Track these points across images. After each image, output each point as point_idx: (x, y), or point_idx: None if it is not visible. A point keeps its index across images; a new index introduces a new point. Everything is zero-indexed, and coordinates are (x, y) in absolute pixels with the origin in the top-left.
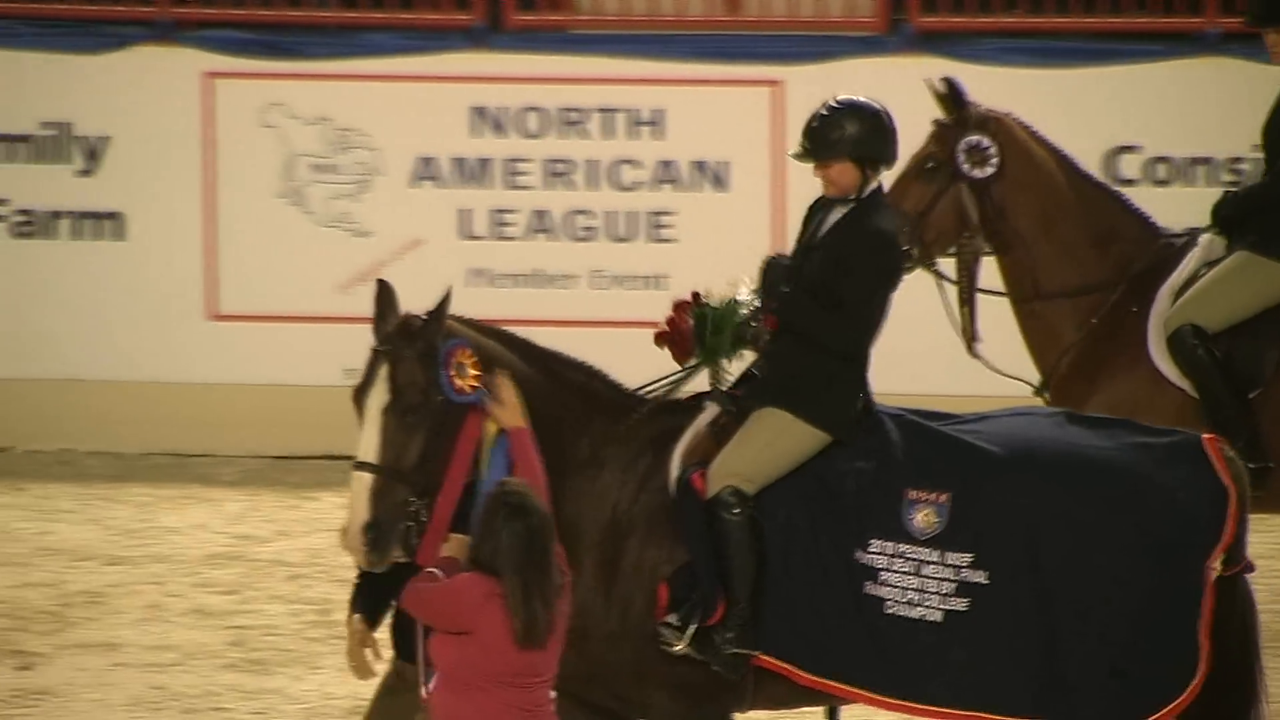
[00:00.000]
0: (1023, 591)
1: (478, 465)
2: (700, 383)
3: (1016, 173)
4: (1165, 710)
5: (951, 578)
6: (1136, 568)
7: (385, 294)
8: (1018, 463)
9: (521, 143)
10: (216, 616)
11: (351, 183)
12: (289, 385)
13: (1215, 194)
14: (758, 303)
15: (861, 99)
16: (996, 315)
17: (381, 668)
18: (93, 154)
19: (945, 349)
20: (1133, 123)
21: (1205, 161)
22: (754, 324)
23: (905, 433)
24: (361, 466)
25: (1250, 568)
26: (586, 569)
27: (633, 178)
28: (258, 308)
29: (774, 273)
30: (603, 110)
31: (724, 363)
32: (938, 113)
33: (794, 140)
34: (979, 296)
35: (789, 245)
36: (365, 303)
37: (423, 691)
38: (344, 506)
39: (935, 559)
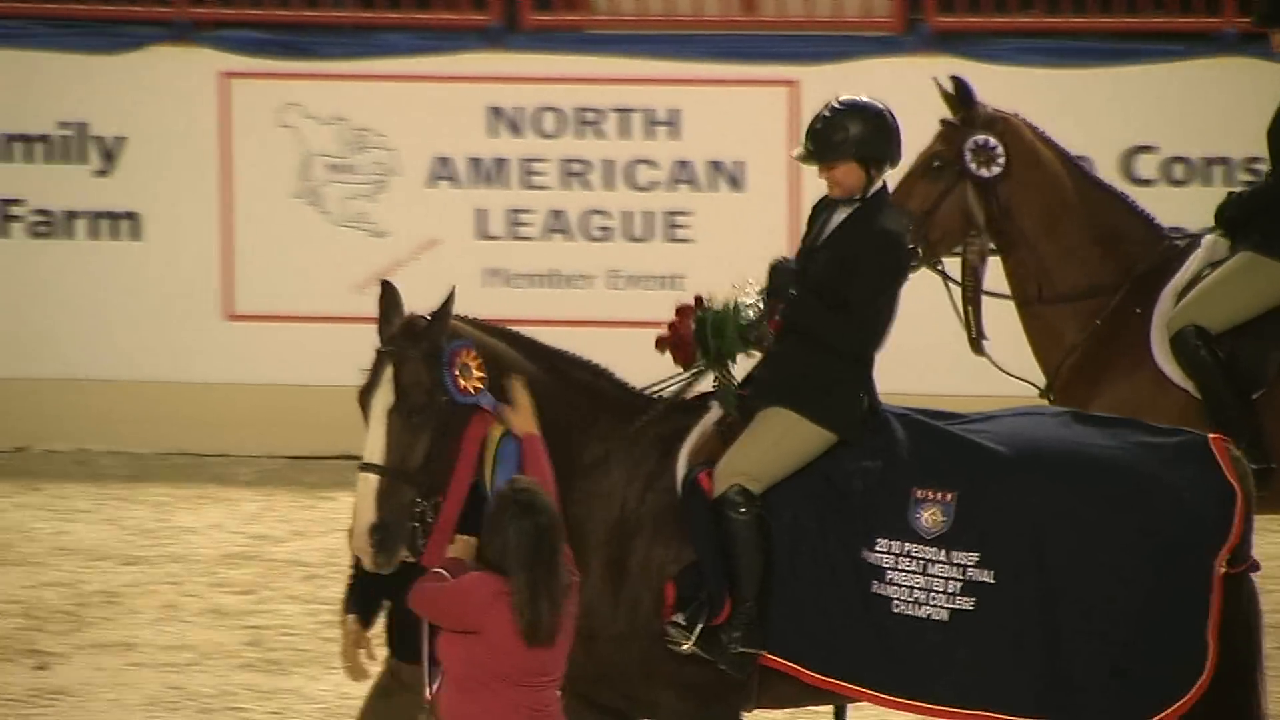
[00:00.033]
0: (1028, 591)
1: (484, 466)
2: (707, 382)
3: (1023, 173)
4: (1170, 710)
5: (958, 577)
6: (1142, 567)
7: (390, 295)
8: (1024, 462)
9: (538, 143)
10: (233, 616)
11: (368, 183)
12: (305, 385)
13: None
14: (762, 304)
15: (864, 99)
16: (1002, 316)
17: (376, 668)
18: (109, 154)
19: (951, 349)
20: (1149, 123)
21: (1222, 162)
22: (759, 326)
23: (911, 432)
24: (367, 468)
25: (1255, 567)
26: (594, 569)
27: (649, 178)
28: (274, 308)
29: (780, 276)
30: (619, 110)
31: (730, 366)
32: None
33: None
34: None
35: None
36: None
37: (426, 693)
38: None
39: (942, 558)
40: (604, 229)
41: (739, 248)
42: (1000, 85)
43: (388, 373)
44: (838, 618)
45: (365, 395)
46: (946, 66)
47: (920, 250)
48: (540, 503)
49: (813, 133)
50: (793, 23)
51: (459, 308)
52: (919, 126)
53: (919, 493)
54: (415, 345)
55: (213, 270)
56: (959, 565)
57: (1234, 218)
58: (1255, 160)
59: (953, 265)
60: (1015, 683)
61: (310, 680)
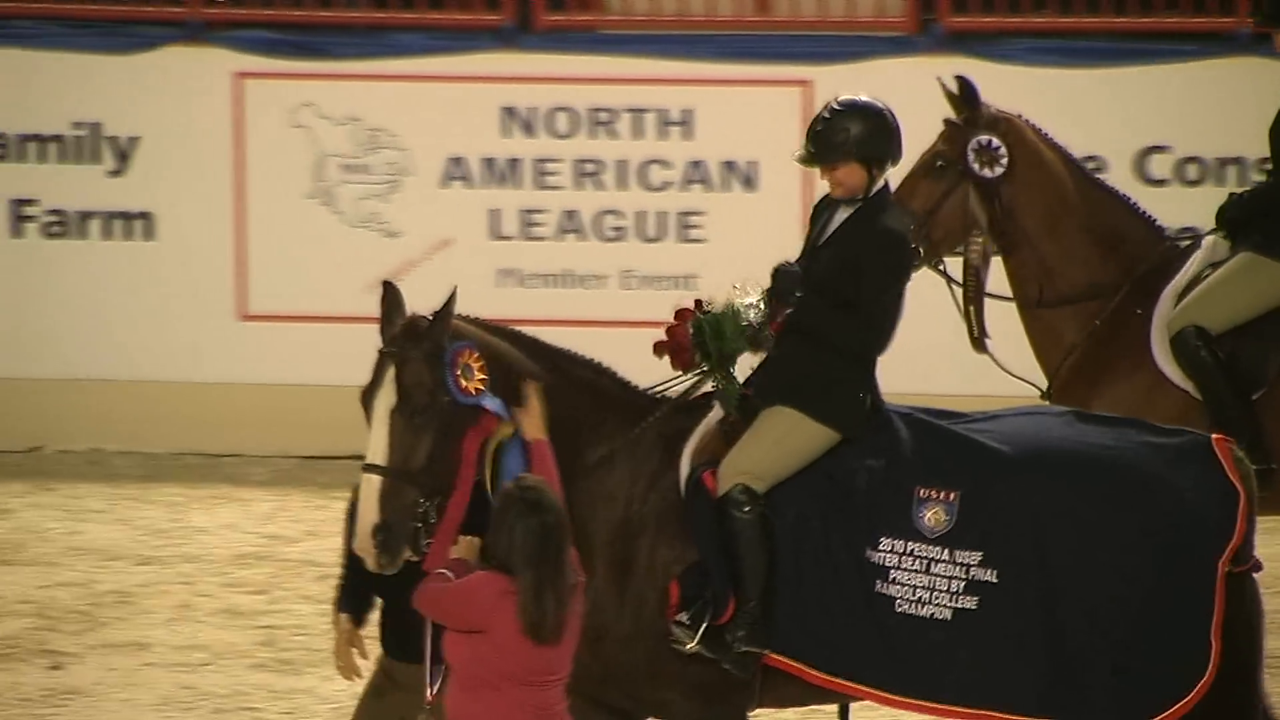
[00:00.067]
0: (1031, 590)
1: (486, 466)
2: (709, 383)
3: (1025, 174)
4: (1173, 709)
5: (961, 576)
6: (1144, 567)
7: (391, 295)
8: (1027, 462)
9: (551, 143)
10: (246, 616)
11: (381, 183)
12: (319, 385)
13: None
14: (764, 305)
15: (863, 98)
16: (1004, 317)
17: (369, 666)
18: (123, 154)
19: (953, 348)
20: (1163, 123)
21: (1236, 162)
22: (761, 327)
23: (915, 431)
24: (370, 469)
25: (1258, 567)
26: (599, 570)
27: (662, 178)
28: (287, 308)
29: (785, 280)
30: (632, 110)
31: (732, 368)
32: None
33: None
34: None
35: None
36: None
37: (428, 693)
38: None
39: (945, 557)
40: (617, 229)
41: (752, 248)
42: (1013, 85)
43: (390, 373)
44: (841, 617)
45: (367, 396)
46: (960, 67)
47: (922, 250)
48: (547, 501)
49: (813, 134)
50: (806, 23)
51: (473, 308)
52: (932, 127)
53: (922, 492)
54: (417, 346)
55: (226, 270)
56: (962, 564)
57: (1235, 218)
58: (1269, 160)
59: (954, 265)
60: (1018, 682)
61: (324, 680)
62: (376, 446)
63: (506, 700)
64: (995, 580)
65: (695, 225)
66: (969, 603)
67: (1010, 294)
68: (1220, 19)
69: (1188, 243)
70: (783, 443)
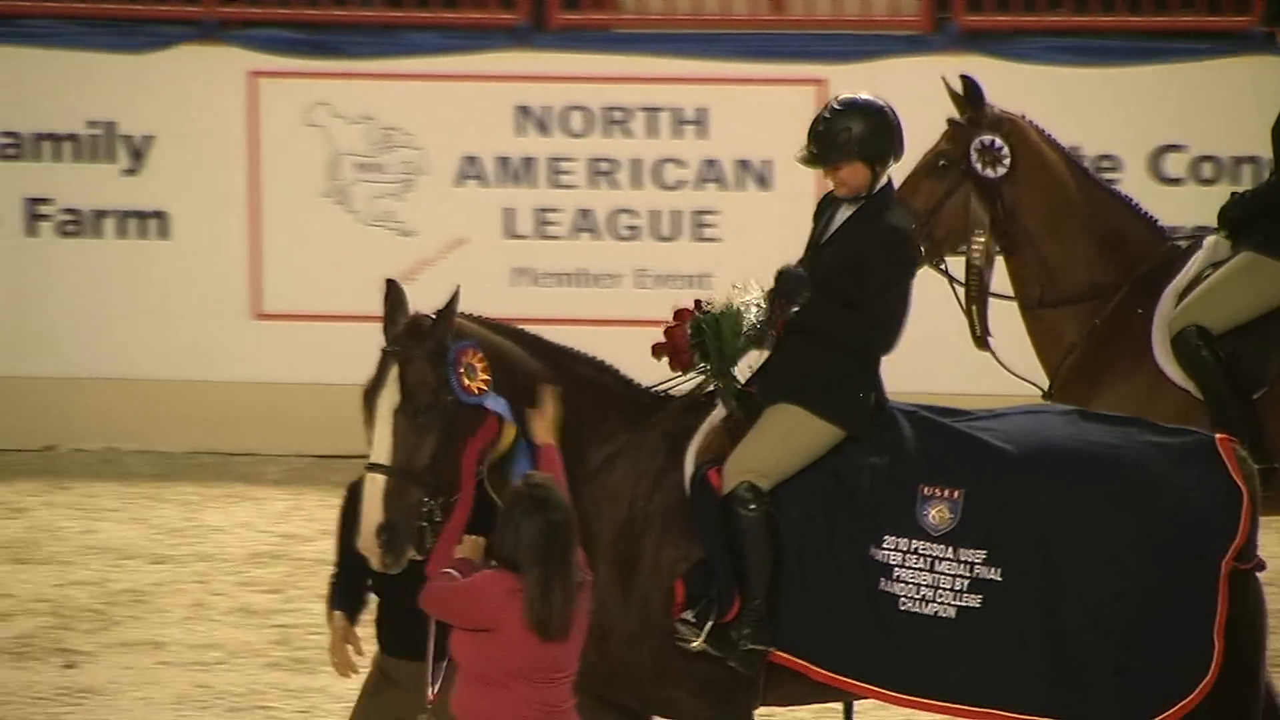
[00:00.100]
0: (1034, 589)
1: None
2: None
3: (1027, 174)
4: (1176, 707)
5: (965, 574)
6: (1148, 566)
7: (395, 294)
8: (1031, 460)
9: (565, 142)
10: (261, 615)
11: (396, 182)
12: (333, 384)
13: None
14: (765, 305)
15: (863, 96)
16: (1007, 317)
17: (364, 664)
18: (138, 153)
19: (955, 347)
20: (1178, 122)
21: (1251, 160)
22: (763, 327)
23: (919, 429)
24: (374, 468)
25: (1261, 566)
26: (604, 569)
27: (677, 177)
28: (302, 307)
29: (790, 281)
30: (647, 109)
31: (733, 368)
32: None
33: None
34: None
35: None
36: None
37: (429, 692)
38: None
39: (949, 555)
40: (631, 228)
41: (766, 247)
42: (1027, 84)
43: (393, 372)
44: (845, 615)
45: (370, 395)
46: (974, 66)
47: (923, 249)
48: (554, 499)
49: (815, 135)
50: (820, 22)
51: (487, 307)
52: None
53: (926, 490)
54: (420, 345)
55: (241, 269)
56: (966, 563)
57: (1236, 218)
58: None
59: (956, 264)
60: (1021, 680)
61: (338, 679)
62: (380, 446)
63: (514, 698)
64: (999, 579)
65: (710, 224)
66: (973, 601)
67: (1011, 294)
68: (1235, 18)
69: (1188, 243)
70: (788, 440)
